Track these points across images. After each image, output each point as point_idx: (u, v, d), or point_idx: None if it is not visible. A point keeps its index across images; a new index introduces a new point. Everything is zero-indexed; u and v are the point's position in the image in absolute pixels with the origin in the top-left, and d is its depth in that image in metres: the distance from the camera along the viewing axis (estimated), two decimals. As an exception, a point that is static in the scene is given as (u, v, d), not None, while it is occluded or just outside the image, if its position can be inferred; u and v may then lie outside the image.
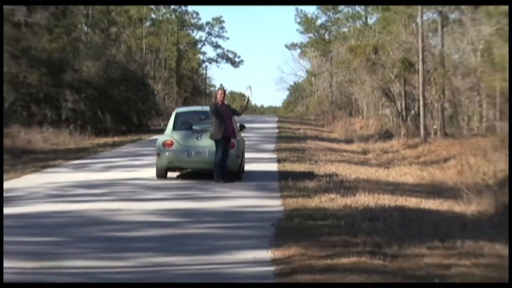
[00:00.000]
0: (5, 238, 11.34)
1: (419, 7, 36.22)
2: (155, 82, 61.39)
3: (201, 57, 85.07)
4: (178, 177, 19.45)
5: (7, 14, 37.26)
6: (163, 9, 74.60)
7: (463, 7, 33.36)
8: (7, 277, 9.22)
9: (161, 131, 21.77)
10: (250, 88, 21.48)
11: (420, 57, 36.48)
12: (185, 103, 55.49)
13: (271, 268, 9.36)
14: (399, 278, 8.70)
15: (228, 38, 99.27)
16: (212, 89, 76.50)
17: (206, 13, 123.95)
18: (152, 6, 71.86)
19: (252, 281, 9.27)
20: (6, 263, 9.47)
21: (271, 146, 32.35)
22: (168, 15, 76.40)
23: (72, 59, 43.14)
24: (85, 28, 50.13)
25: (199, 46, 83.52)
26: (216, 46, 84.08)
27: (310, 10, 79.59)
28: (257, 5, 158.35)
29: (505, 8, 23.88)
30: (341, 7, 70.23)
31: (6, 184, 18.47)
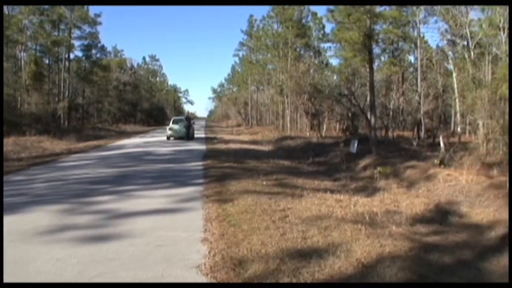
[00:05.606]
0: (116, 161, 10.68)
1: (250, 84, 35.98)
2: (167, 109, 58.29)
3: (181, 101, 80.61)
4: (173, 139, 18.72)
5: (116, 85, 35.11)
6: (169, 86, 69.05)
7: (265, 83, 31.68)
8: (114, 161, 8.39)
9: (168, 124, 20.82)
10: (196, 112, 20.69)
11: (249, 101, 36.68)
12: (176, 115, 53.30)
13: (202, 167, 9.03)
14: (243, 170, 8.41)
15: (189, 95, 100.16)
16: (186, 111, 72.70)
17: (184, 86, 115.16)
18: (168, 90, 64.70)
19: (195, 169, 8.72)
20: (118, 166, 8.92)
21: (203, 129, 31.62)
22: (171, 88, 71.09)
23: (140, 102, 41.38)
24: (143, 92, 46.32)
25: (181, 97, 78.92)
26: (186, 97, 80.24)
27: (215, 84, 78.09)
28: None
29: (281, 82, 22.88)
30: (226, 85, 62.35)
31: (117, 143, 17.35)
